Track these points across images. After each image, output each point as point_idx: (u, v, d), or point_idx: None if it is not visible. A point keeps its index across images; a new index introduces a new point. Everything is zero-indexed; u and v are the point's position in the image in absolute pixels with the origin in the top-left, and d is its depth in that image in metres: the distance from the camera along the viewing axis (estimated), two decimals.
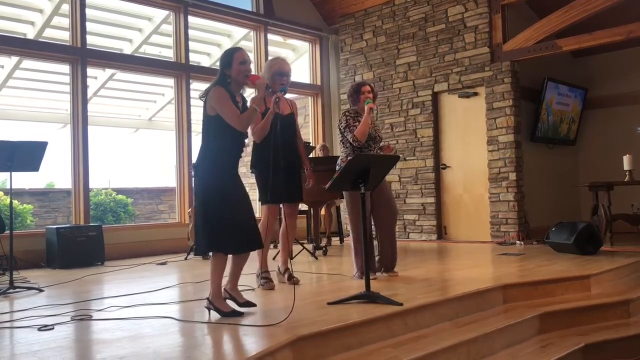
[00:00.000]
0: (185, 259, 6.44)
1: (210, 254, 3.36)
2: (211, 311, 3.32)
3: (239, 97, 3.43)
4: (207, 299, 3.35)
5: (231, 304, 3.39)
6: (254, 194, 4.63)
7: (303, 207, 7.34)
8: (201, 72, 8.08)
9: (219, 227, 3.19)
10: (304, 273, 4.95)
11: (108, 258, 6.30)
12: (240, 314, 3.28)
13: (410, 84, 8.19)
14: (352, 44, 8.91)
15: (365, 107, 4.47)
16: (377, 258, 4.64)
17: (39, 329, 3.12)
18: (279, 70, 4.19)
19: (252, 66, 3.66)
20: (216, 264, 3.30)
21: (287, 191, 4.21)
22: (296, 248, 6.22)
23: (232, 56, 3.34)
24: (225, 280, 3.40)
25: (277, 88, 3.92)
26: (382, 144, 4.77)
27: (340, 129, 4.60)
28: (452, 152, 7.88)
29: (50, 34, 7.95)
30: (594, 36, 6.66)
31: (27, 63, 8.47)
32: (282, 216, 4.53)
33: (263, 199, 4.25)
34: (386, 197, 4.64)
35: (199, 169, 3.30)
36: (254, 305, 3.42)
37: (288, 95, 4.50)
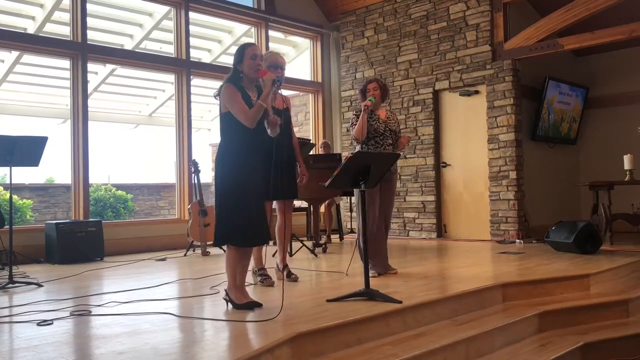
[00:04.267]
0: (185, 255, 6.44)
1: (225, 247, 3.45)
2: (228, 303, 3.41)
3: (253, 91, 3.46)
4: (225, 290, 3.47)
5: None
6: None
7: (303, 204, 7.34)
8: (202, 69, 8.05)
9: (232, 221, 3.29)
10: (304, 270, 4.94)
11: (107, 254, 6.30)
12: (252, 307, 3.34)
13: (411, 82, 8.17)
14: (353, 41, 8.89)
15: (362, 105, 4.47)
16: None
17: (38, 324, 3.12)
18: (274, 63, 4.18)
19: None
20: (230, 256, 3.39)
21: (285, 188, 4.22)
22: (296, 245, 6.22)
23: (244, 52, 3.41)
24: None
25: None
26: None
27: (349, 128, 4.66)
28: (453, 150, 7.87)
29: (51, 29, 7.93)
30: (595, 35, 6.65)
31: (28, 58, 8.46)
32: (277, 213, 4.51)
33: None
34: (391, 193, 4.68)
35: (217, 165, 3.40)
36: (258, 305, 3.40)
37: (290, 92, 4.50)
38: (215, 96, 3.46)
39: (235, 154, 3.35)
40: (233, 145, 3.36)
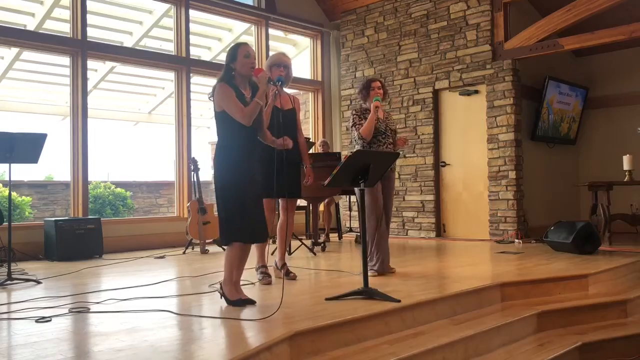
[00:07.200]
0: (184, 252, 6.44)
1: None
2: (222, 297, 3.45)
3: (247, 90, 3.50)
4: (220, 282, 3.50)
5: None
6: None
7: (302, 202, 7.34)
8: (202, 66, 8.04)
9: (237, 219, 3.34)
10: (302, 269, 4.95)
11: (106, 251, 6.30)
12: (244, 304, 3.37)
13: (411, 81, 8.17)
14: (353, 39, 8.89)
15: (372, 105, 4.48)
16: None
17: (37, 321, 3.13)
18: (276, 62, 4.22)
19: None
20: (229, 254, 3.44)
21: (287, 187, 4.22)
22: (295, 244, 6.22)
23: (237, 50, 3.47)
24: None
25: (274, 79, 3.95)
26: (397, 136, 4.78)
27: (349, 127, 4.65)
28: (452, 150, 7.87)
29: (51, 26, 7.92)
30: (596, 35, 6.64)
31: (27, 55, 8.45)
32: (280, 211, 4.52)
33: (263, 194, 4.23)
34: (392, 191, 4.71)
35: (215, 164, 3.44)
36: (251, 302, 3.44)
37: (290, 91, 4.52)
38: (209, 97, 3.52)
39: (232, 153, 3.39)
40: (229, 144, 3.41)
